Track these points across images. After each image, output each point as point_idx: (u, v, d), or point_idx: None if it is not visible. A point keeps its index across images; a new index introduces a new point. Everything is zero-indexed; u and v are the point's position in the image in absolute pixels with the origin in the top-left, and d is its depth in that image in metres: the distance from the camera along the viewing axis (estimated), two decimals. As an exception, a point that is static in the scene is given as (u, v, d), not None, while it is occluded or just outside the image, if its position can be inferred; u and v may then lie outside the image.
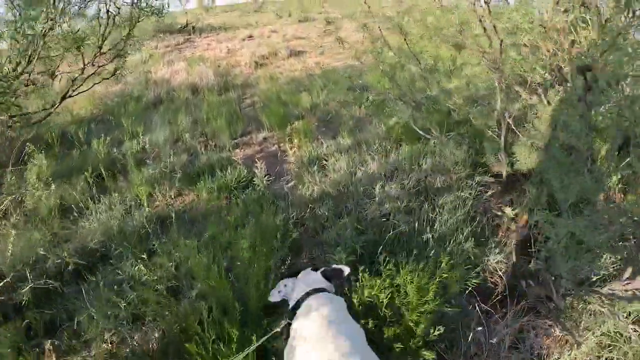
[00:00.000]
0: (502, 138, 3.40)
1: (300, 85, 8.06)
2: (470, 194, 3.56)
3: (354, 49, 10.06)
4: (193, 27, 18.20)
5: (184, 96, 7.99)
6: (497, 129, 3.52)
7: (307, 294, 1.99)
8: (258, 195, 3.99)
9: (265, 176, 4.31)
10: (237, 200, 3.99)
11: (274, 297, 2.19)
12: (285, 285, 2.19)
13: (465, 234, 3.05)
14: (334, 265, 2.32)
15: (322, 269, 2.24)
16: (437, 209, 3.44)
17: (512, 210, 3.32)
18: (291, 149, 5.15)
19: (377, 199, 3.62)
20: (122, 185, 4.49)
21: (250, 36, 15.18)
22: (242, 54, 11.55)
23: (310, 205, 3.79)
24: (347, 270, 2.26)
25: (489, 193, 3.73)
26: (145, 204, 4.09)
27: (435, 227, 3.22)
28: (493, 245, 3.05)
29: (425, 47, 4.35)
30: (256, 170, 4.24)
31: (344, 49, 11.66)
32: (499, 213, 3.46)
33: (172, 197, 4.35)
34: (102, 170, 4.65)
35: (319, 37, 14.72)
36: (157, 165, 4.82)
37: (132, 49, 5.65)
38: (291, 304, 2.05)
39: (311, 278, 2.17)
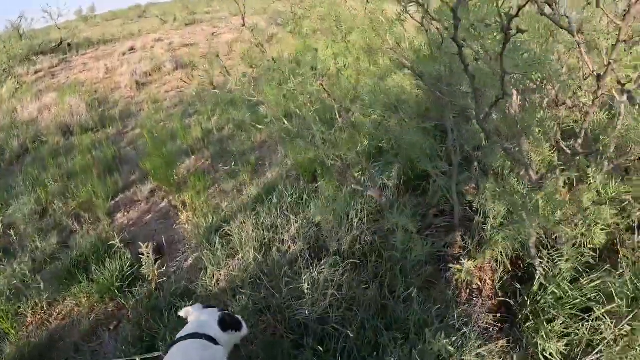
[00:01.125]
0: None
1: (189, 107, 7.15)
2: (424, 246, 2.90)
3: (245, 55, 9.34)
4: (69, 45, 16.33)
5: (54, 140, 6.79)
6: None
7: (185, 337, 1.91)
8: (149, 298, 3.15)
9: (156, 261, 3.39)
10: (126, 304, 3.15)
11: (181, 313, 2.19)
12: (189, 311, 2.15)
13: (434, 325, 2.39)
14: (237, 316, 2.23)
15: (223, 315, 2.12)
16: (385, 288, 2.77)
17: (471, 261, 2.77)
18: (184, 206, 4.29)
19: (306, 291, 2.80)
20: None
21: (132, 48, 13.80)
22: (123, 72, 10.30)
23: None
24: (245, 330, 2.20)
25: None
26: (12, 333, 3.12)
27: (390, 316, 2.54)
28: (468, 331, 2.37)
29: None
30: (143, 256, 3.29)
31: (236, 56, 10.90)
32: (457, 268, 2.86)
33: (45, 309, 3.37)
34: None
35: (207, 41, 13.70)
36: (19, 262, 3.81)
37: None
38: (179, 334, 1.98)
39: (205, 320, 2.06)
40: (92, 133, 6.88)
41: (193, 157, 5.42)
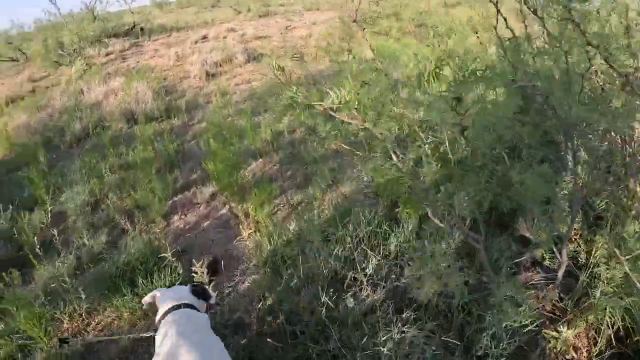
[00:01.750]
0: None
1: (259, 104, 6.63)
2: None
3: (323, 48, 8.78)
4: (141, 29, 16.44)
5: (117, 127, 6.48)
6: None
7: (173, 308, 1.98)
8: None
9: (210, 281, 2.80)
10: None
11: (145, 300, 2.17)
12: (157, 295, 2.14)
13: None
14: (204, 285, 2.36)
15: (192, 285, 2.24)
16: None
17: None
18: (246, 217, 3.73)
19: (384, 355, 2.20)
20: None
21: (205, 37, 13.58)
22: (193, 61, 9.97)
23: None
24: (213, 296, 2.31)
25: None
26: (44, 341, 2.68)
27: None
28: None
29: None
30: (196, 275, 2.72)
31: (311, 50, 10.36)
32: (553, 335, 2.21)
33: (84, 317, 2.94)
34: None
35: (281, 34, 13.28)
36: (62, 261, 3.40)
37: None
38: (158, 316, 2.02)
39: (180, 293, 2.14)
40: (156, 123, 6.48)
41: (260, 160, 4.87)
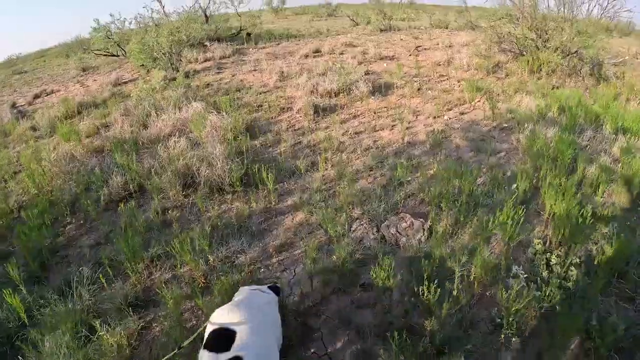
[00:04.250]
0: None
1: (390, 183, 3.92)
2: None
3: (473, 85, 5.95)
4: (248, 34, 14.51)
5: (170, 192, 4.09)
6: None
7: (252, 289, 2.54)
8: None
9: None
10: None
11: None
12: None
13: None
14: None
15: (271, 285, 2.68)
16: None
17: None
18: None
19: None
20: None
21: (317, 51, 11.15)
22: (300, 84, 7.48)
23: None
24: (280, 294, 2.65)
25: None
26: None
27: None
28: None
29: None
30: None
31: (454, 84, 7.48)
32: None
33: None
34: None
35: (411, 56, 10.50)
36: None
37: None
38: None
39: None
40: (225, 196, 4.00)
41: None
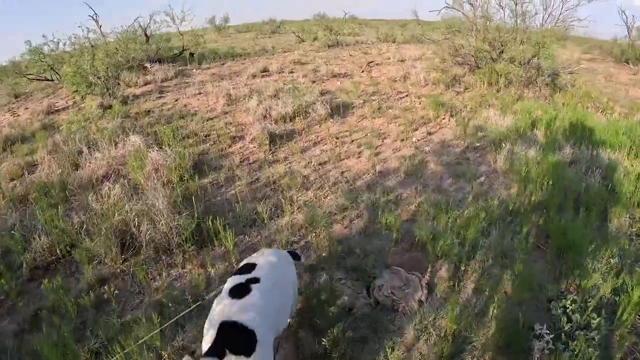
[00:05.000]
0: None
1: (369, 227, 3.32)
2: None
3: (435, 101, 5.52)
4: (191, 54, 13.68)
5: (105, 256, 3.29)
6: None
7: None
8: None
9: None
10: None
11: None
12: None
13: None
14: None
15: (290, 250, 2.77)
16: None
17: None
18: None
19: None
20: None
21: (265, 70, 10.51)
22: (249, 108, 6.76)
23: None
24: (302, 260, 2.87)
25: None
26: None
27: None
28: None
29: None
30: None
31: (415, 101, 7.07)
32: None
33: None
34: None
35: (363, 72, 10.06)
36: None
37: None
38: None
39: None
40: (164, 270, 3.26)
41: None
